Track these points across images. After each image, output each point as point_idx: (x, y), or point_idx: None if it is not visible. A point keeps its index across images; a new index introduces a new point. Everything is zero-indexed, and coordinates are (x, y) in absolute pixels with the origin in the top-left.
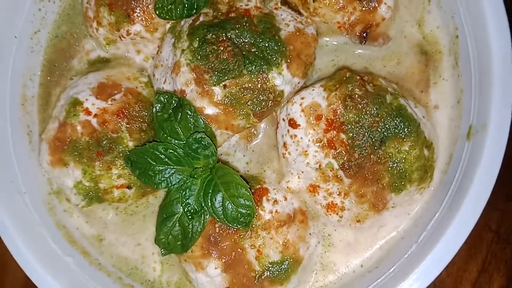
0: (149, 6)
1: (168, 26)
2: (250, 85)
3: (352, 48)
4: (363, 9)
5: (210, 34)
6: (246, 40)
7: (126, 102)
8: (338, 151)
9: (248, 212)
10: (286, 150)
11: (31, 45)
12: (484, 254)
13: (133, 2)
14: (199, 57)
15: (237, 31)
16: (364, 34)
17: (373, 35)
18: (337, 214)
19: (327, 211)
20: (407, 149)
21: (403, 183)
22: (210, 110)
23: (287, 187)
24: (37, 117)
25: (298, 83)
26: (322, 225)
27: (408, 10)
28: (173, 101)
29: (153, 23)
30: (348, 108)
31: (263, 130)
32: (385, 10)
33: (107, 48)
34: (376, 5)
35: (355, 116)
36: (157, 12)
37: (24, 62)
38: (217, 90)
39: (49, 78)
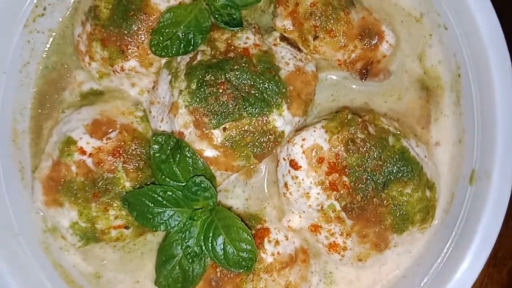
0: (144, 41)
1: (163, 61)
2: (250, 127)
3: (352, 83)
4: (365, 47)
5: (209, 75)
6: (245, 82)
7: (122, 140)
8: (340, 193)
9: (250, 256)
10: (287, 190)
11: (20, 78)
12: (481, 277)
13: (126, 37)
14: (197, 99)
15: (236, 73)
16: (365, 71)
17: (374, 71)
18: (339, 253)
19: (329, 250)
20: (409, 192)
21: (405, 224)
22: (209, 153)
23: (288, 226)
24: (29, 152)
25: (299, 121)
26: (323, 263)
27: (409, 44)
28: (171, 142)
29: (148, 58)
30: (350, 152)
31: (263, 166)
32: (386, 48)
33: (100, 81)
34: (378, 43)
35: (358, 160)
36: (153, 49)
37: (14, 97)
38: (217, 133)
39: (40, 111)
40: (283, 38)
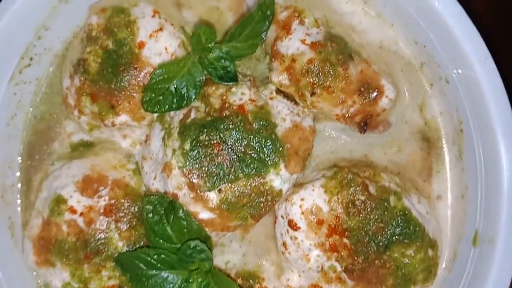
0: (135, 96)
1: (156, 114)
2: (246, 188)
3: (351, 134)
4: (364, 102)
5: (203, 136)
6: (241, 141)
7: (114, 198)
8: (341, 254)
9: None
10: (286, 250)
11: (8, 131)
12: None
13: (117, 93)
14: (191, 161)
15: (231, 132)
16: (364, 124)
17: (373, 123)
18: None
19: None
20: (411, 253)
21: (407, 285)
22: (204, 215)
23: (288, 285)
24: (19, 205)
25: (297, 177)
26: None
27: (409, 94)
28: (164, 203)
29: (140, 113)
30: (351, 215)
31: (260, 220)
32: (386, 102)
33: (90, 133)
34: (377, 98)
35: (359, 223)
36: (145, 106)
37: (2, 151)
38: (212, 195)
39: (29, 162)
40: (280, 91)
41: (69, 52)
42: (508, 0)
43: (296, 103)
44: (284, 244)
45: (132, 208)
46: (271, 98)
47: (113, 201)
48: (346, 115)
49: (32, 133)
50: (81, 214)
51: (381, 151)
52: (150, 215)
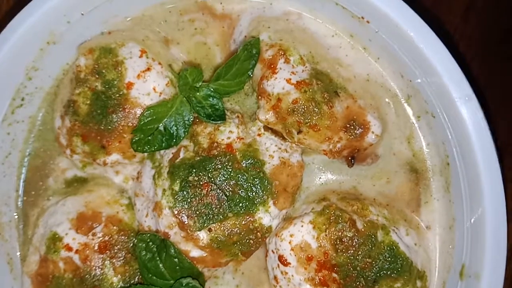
0: (125, 136)
1: None
2: (236, 227)
3: (339, 167)
4: (350, 138)
5: (192, 176)
6: (229, 181)
7: (108, 234)
8: None
9: None
10: (277, 283)
11: (3, 170)
12: None
13: (107, 133)
14: (181, 201)
15: (220, 172)
16: (352, 158)
17: (361, 156)
18: None
19: None
20: (400, 286)
21: None
22: (195, 253)
23: None
24: (17, 241)
25: (286, 212)
26: None
27: (396, 126)
28: (157, 241)
29: (130, 151)
30: (339, 251)
31: None
32: (373, 138)
33: (83, 169)
34: (364, 134)
35: (347, 259)
36: (134, 147)
37: None
38: (202, 235)
39: (25, 198)
40: (268, 127)
41: (60, 89)
42: (492, 29)
43: (284, 138)
44: (275, 278)
45: (126, 243)
46: (259, 135)
47: (107, 238)
48: (334, 151)
49: (28, 170)
50: (77, 251)
51: (370, 183)
52: (143, 252)
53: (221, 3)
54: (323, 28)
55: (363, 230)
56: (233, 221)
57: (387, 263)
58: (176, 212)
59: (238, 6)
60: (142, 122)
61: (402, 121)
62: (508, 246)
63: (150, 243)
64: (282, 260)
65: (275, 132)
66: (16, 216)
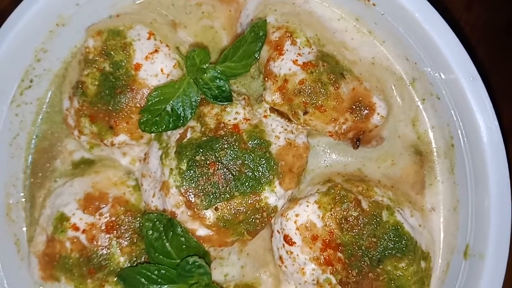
0: (133, 116)
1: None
2: (242, 206)
3: (344, 149)
4: (356, 119)
5: (199, 156)
6: (236, 161)
7: (115, 214)
8: (336, 268)
9: None
10: (282, 263)
11: (11, 151)
12: None
13: (115, 114)
14: (188, 180)
15: (226, 152)
16: (357, 140)
17: (366, 138)
18: None
19: None
20: (404, 266)
21: None
22: (202, 232)
23: None
24: (24, 222)
25: (292, 193)
26: None
27: (401, 109)
28: (163, 220)
29: (138, 132)
30: (344, 230)
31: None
32: (378, 119)
33: (90, 151)
34: (369, 115)
35: (352, 238)
36: (142, 127)
37: (6, 171)
38: (209, 213)
39: (32, 180)
40: (274, 109)
41: (68, 72)
42: (495, 19)
43: (290, 120)
44: (280, 258)
45: (133, 224)
46: (265, 116)
47: (114, 218)
48: (339, 132)
49: (35, 152)
50: (84, 231)
51: (374, 165)
52: (150, 232)
53: None
54: (329, 11)
55: (368, 210)
56: (240, 200)
57: (392, 243)
58: (183, 191)
59: None
60: (150, 103)
61: (407, 103)
62: None
63: (157, 222)
64: (288, 240)
65: (281, 114)
66: (24, 198)
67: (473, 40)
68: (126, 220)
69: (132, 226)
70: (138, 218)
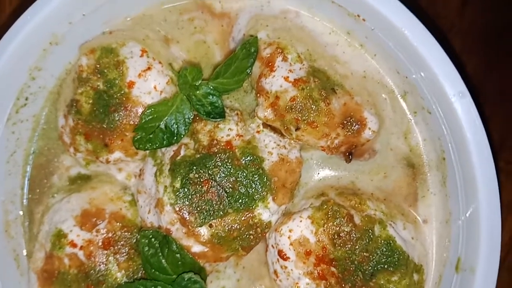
0: (127, 134)
1: None
2: (236, 223)
3: (337, 162)
4: (347, 134)
5: (193, 173)
6: (229, 178)
7: (111, 230)
8: (329, 282)
9: None
10: (277, 277)
11: (8, 168)
12: None
13: (109, 132)
14: (182, 198)
15: (220, 169)
16: (349, 154)
17: (359, 152)
18: None
19: None
20: (397, 279)
21: None
22: (197, 248)
23: None
24: (23, 238)
25: (285, 208)
26: None
27: (393, 122)
28: (159, 237)
29: (132, 149)
30: (337, 246)
31: None
32: (369, 134)
33: (87, 167)
34: (361, 130)
35: (344, 253)
36: (136, 145)
37: (3, 188)
38: (203, 230)
39: (30, 196)
40: (266, 124)
41: (63, 89)
42: (488, 24)
43: (283, 135)
44: (275, 272)
45: (130, 239)
46: (258, 132)
47: (110, 234)
48: (331, 147)
49: (32, 168)
50: (81, 247)
51: (367, 178)
52: (146, 248)
53: (219, 2)
54: (320, 26)
55: (360, 224)
56: (233, 217)
57: (384, 257)
58: (177, 209)
59: (236, 4)
60: (144, 121)
61: (398, 116)
62: (509, 236)
63: (153, 239)
64: (282, 255)
65: (274, 129)
66: (22, 214)
67: (466, 48)
68: (123, 235)
69: (129, 242)
70: (135, 234)
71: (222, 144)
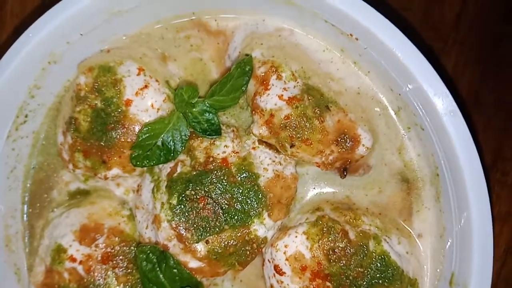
0: (125, 151)
1: None
2: (232, 239)
3: (333, 177)
4: (341, 151)
5: (189, 190)
6: (225, 194)
7: (110, 245)
8: None
9: None
10: None
11: (8, 184)
12: None
13: (107, 149)
14: (179, 215)
15: (216, 186)
16: (344, 170)
17: (353, 168)
18: None
19: None
20: None
21: None
22: (194, 264)
23: None
24: (24, 252)
25: (281, 223)
26: None
27: (387, 137)
28: (157, 252)
29: (130, 166)
30: (331, 261)
31: None
32: (363, 150)
33: (86, 182)
34: (354, 146)
35: (339, 269)
36: (133, 162)
37: (4, 203)
38: (200, 247)
39: (31, 210)
40: (262, 141)
41: (61, 106)
42: (486, 34)
43: (278, 151)
44: (271, 286)
45: (128, 254)
46: (254, 148)
47: (109, 249)
48: (326, 163)
49: (32, 183)
50: (81, 262)
51: (362, 193)
52: (144, 263)
53: (215, 20)
54: (315, 43)
55: (355, 240)
56: (229, 233)
57: (379, 272)
58: (174, 225)
59: (232, 22)
60: (141, 138)
61: (393, 132)
62: (504, 248)
63: (150, 254)
64: (278, 270)
65: (269, 145)
66: (22, 228)
67: (461, 59)
68: (121, 250)
69: (128, 256)
70: (133, 248)
71: (218, 161)
